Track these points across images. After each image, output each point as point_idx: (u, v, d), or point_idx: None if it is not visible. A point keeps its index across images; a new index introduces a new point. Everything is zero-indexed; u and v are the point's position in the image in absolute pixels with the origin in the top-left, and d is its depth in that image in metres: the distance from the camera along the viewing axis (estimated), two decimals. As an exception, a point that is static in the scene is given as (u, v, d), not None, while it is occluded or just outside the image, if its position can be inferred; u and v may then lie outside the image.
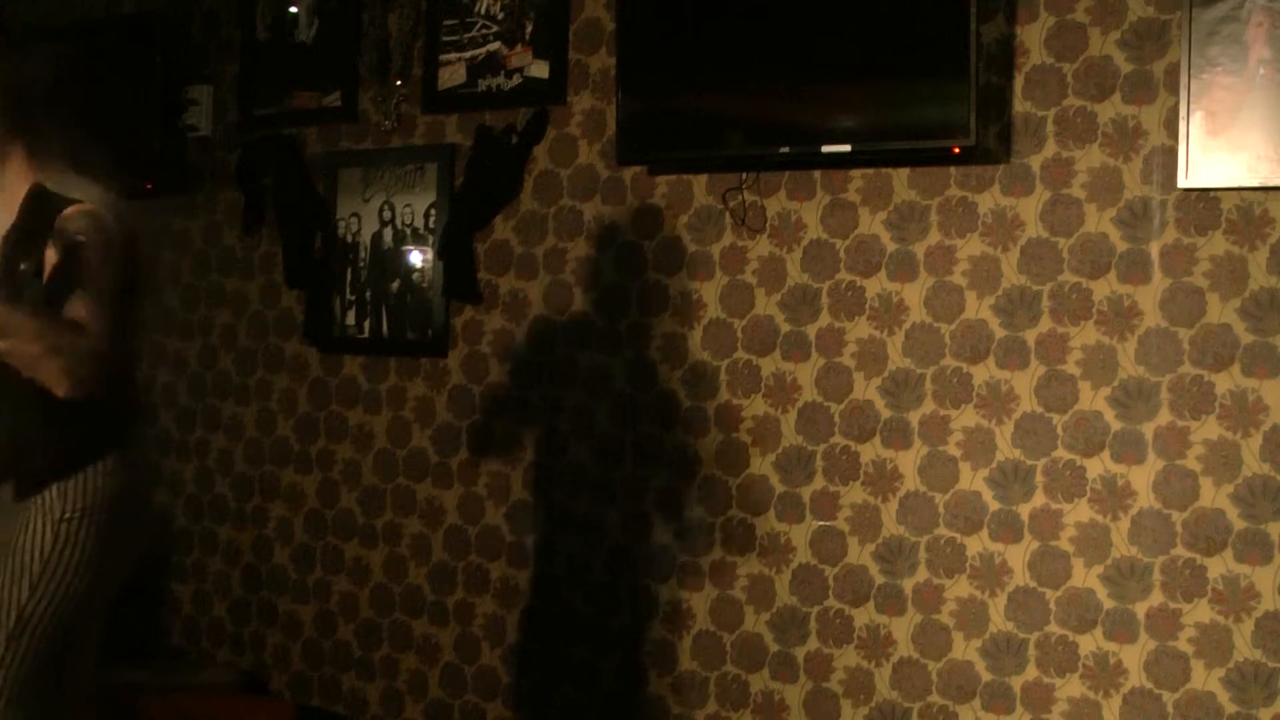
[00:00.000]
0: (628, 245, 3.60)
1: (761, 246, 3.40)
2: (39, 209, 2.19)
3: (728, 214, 3.44)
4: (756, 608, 3.41)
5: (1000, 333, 3.11)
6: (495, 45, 3.80)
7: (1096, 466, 3.00)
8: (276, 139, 4.23)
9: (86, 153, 2.40)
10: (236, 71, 4.35)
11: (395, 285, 3.98)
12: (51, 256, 2.24)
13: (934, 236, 3.19)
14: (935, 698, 3.18)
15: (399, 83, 3.97)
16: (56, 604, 2.39)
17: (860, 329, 3.27)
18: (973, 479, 3.14)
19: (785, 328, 3.37)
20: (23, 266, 2.19)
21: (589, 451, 3.65)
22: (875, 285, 3.26)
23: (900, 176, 3.22)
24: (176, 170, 4.42)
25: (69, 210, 2.27)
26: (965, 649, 3.14)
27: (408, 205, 3.95)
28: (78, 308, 2.25)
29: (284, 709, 4.07)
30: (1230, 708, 2.85)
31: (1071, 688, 3.02)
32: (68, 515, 2.39)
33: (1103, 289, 3.00)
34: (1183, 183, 2.87)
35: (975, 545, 3.13)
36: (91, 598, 2.45)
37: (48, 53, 2.46)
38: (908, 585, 3.21)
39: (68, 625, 2.41)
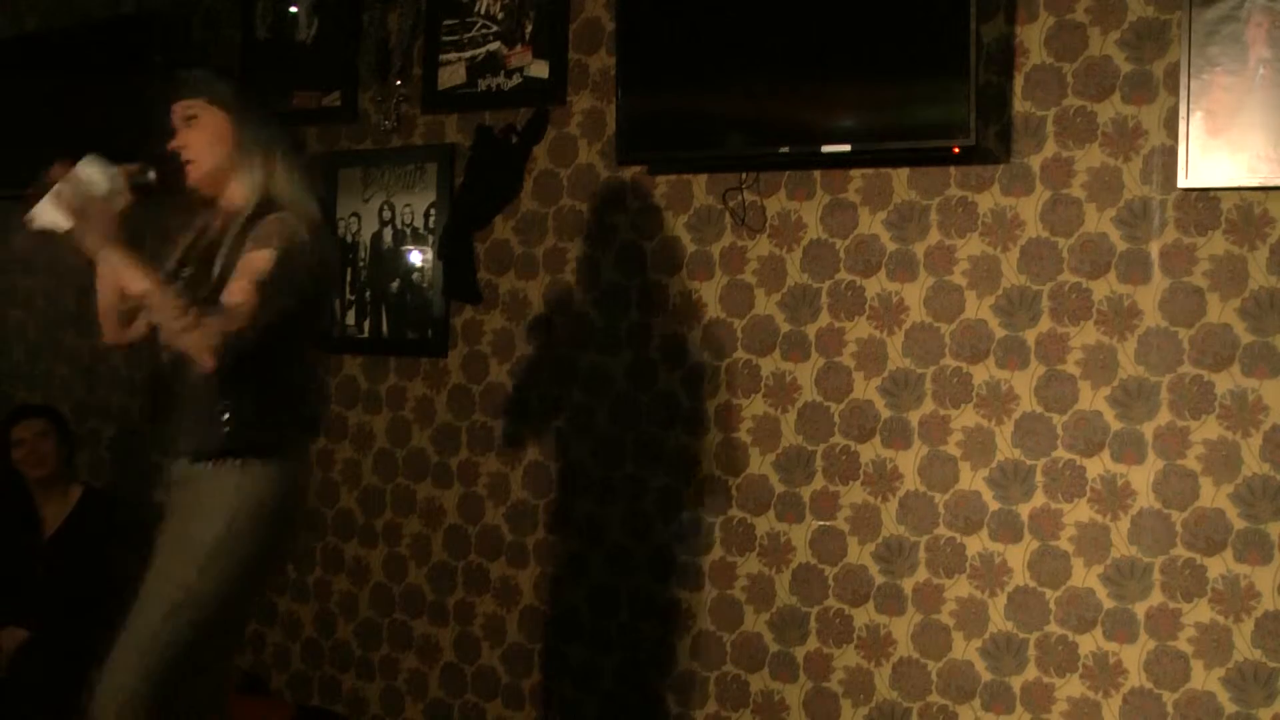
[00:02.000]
0: (628, 245, 3.60)
1: (761, 246, 3.40)
2: (259, 210, 2.53)
3: (728, 214, 3.44)
4: (756, 608, 3.40)
5: (1000, 333, 3.11)
6: (495, 45, 3.80)
7: (1096, 466, 3.00)
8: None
9: (304, 176, 2.67)
10: (236, 71, 4.34)
11: (395, 285, 3.98)
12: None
13: (934, 236, 3.19)
14: (935, 698, 3.17)
15: (399, 83, 3.97)
16: (217, 589, 2.52)
17: (860, 329, 3.27)
18: (973, 479, 3.13)
19: (785, 328, 3.37)
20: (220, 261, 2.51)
21: (589, 451, 3.65)
22: (875, 285, 3.26)
23: (900, 176, 3.22)
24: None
25: (271, 215, 2.53)
26: (965, 649, 3.14)
27: (408, 205, 3.95)
28: (234, 290, 2.45)
29: (284, 709, 4.07)
30: (1230, 708, 2.85)
31: (1071, 688, 3.02)
32: (242, 508, 2.53)
33: (1103, 289, 3.00)
34: (1183, 183, 2.87)
35: (975, 545, 3.13)
36: (249, 588, 2.62)
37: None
38: (908, 585, 3.21)
39: (222, 612, 2.56)
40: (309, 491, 2.73)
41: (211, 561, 2.52)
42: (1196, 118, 2.83)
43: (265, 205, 2.57)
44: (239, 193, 2.63)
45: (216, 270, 2.53)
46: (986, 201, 3.13)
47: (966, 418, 3.14)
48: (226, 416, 2.54)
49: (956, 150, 3.04)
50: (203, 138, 2.61)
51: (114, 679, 2.50)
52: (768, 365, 3.39)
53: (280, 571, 2.65)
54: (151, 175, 2.59)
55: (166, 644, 2.50)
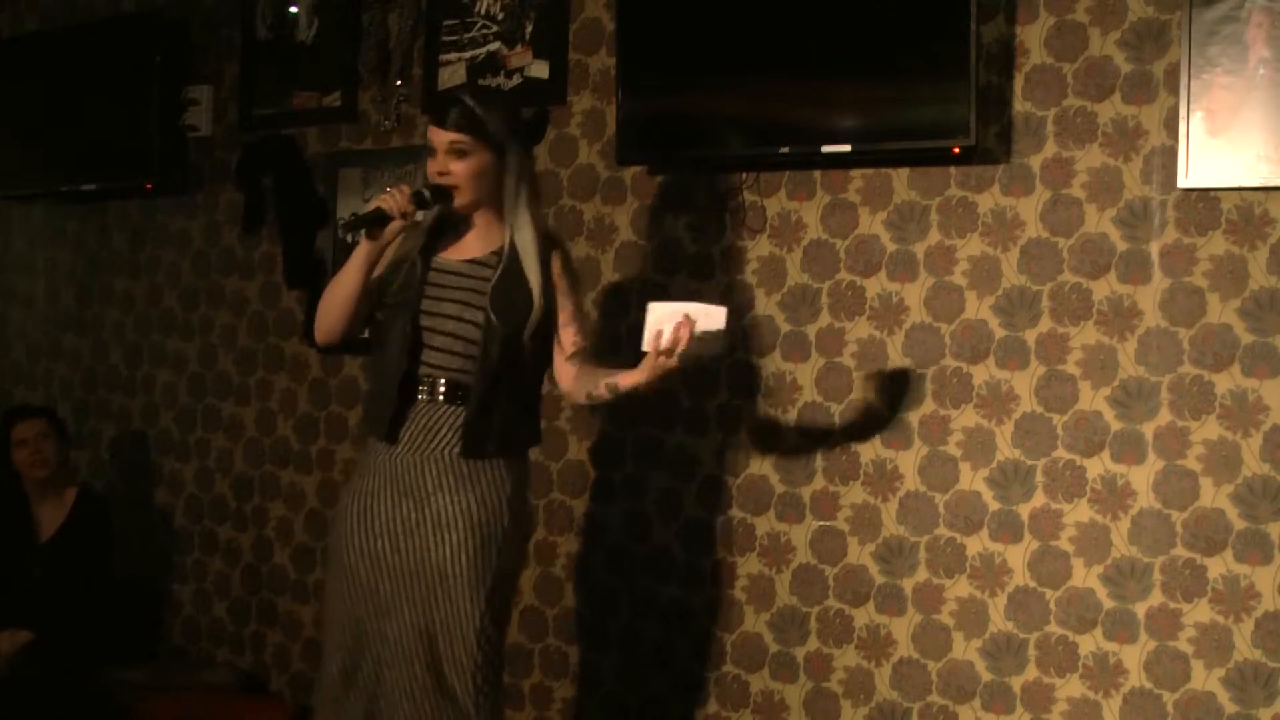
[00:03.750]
0: (628, 245, 3.60)
1: (761, 246, 3.40)
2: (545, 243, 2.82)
3: (728, 214, 3.44)
4: (756, 608, 3.40)
5: (1000, 333, 3.11)
6: (495, 45, 3.80)
7: (1096, 466, 3.00)
8: (276, 139, 4.23)
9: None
10: (236, 71, 4.35)
11: (395, 285, 3.97)
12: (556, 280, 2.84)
13: (934, 236, 3.19)
14: (935, 698, 3.17)
15: (399, 83, 3.97)
16: (512, 568, 2.84)
17: (860, 329, 3.27)
18: (973, 479, 3.14)
19: (785, 328, 3.37)
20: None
21: (589, 452, 3.65)
22: (875, 285, 3.26)
23: (900, 176, 3.22)
24: (176, 170, 4.42)
25: (554, 251, 2.85)
26: (965, 649, 3.14)
27: (408, 205, 3.94)
28: (583, 334, 2.91)
29: (284, 709, 4.07)
30: (1230, 708, 2.85)
31: (1071, 688, 3.02)
32: (513, 492, 2.82)
33: (1103, 289, 3.00)
34: (1183, 183, 2.87)
35: (975, 545, 3.13)
36: (520, 568, 2.94)
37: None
38: (908, 585, 3.21)
39: (514, 590, 2.92)
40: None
41: (501, 577, 2.79)
42: (1196, 118, 2.83)
43: (542, 237, 2.84)
44: (503, 219, 2.82)
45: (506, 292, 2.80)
46: (986, 201, 3.13)
47: (966, 418, 3.14)
48: (502, 419, 2.79)
49: (956, 150, 3.04)
50: (468, 170, 2.77)
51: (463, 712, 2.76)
52: (768, 365, 3.39)
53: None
54: (428, 193, 2.78)
55: (489, 676, 2.77)
